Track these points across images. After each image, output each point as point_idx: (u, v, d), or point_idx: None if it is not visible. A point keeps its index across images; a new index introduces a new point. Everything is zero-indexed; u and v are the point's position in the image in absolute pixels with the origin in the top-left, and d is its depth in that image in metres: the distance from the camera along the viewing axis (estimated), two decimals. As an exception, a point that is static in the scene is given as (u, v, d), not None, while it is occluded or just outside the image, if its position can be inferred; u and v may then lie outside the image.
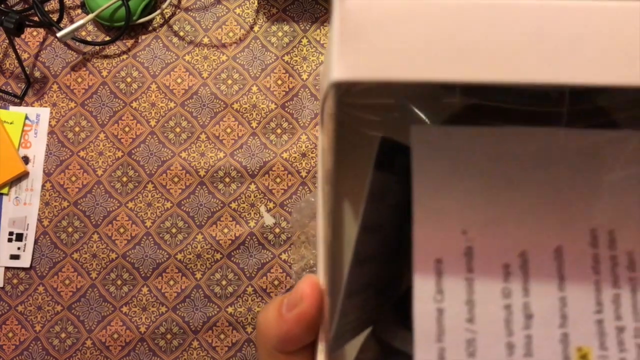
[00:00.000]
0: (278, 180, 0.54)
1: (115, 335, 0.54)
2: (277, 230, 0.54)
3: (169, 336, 0.54)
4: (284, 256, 0.54)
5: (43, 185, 0.55)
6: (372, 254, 0.16)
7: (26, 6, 0.56)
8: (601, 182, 0.14)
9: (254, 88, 0.55)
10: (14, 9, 0.55)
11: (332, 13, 0.13)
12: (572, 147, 0.14)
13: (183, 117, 0.55)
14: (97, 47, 0.56)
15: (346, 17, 0.13)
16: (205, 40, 0.56)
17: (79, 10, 0.57)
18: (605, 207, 0.14)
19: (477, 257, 0.14)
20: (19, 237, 0.54)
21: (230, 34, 0.56)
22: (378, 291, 0.17)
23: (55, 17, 0.56)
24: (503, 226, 0.14)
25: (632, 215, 0.14)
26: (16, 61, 0.55)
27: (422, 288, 0.14)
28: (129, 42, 0.56)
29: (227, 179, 0.54)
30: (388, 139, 0.15)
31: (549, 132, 0.14)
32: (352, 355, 0.18)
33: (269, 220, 0.54)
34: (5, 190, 0.54)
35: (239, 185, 0.54)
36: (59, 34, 0.52)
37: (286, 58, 0.55)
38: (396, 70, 0.12)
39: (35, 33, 0.56)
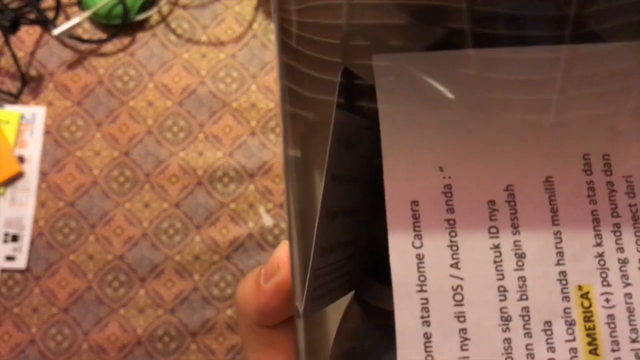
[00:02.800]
0: (277, 180, 0.54)
1: (112, 338, 0.53)
2: (276, 231, 0.53)
3: (166, 339, 0.53)
4: (283, 258, 0.53)
5: (39, 186, 0.54)
6: (346, 207, 0.14)
7: (22, 3, 0.55)
8: (589, 102, 0.13)
9: (253, 87, 0.55)
10: (10, 6, 0.55)
11: None
12: (559, 66, 0.13)
13: (181, 116, 0.55)
14: (94, 45, 0.55)
15: None
16: (204, 38, 0.55)
17: (76, 8, 0.56)
18: (598, 128, 0.12)
19: (457, 195, 0.12)
20: (15, 238, 0.54)
21: (229, 32, 0.55)
22: (359, 251, 0.16)
23: (51, 14, 0.55)
24: (484, 159, 0.13)
25: (627, 136, 0.12)
26: (11, 59, 0.55)
27: (398, 235, 0.12)
28: (126, 40, 0.55)
29: (225, 179, 0.54)
30: (351, 72, 0.13)
31: (532, 51, 0.13)
32: (336, 322, 0.17)
33: (268, 221, 0.53)
34: (0, 191, 0.54)
35: (238, 185, 0.54)
36: (55, 32, 0.52)
37: (286, 56, 0.55)
38: None
39: (31, 31, 0.56)
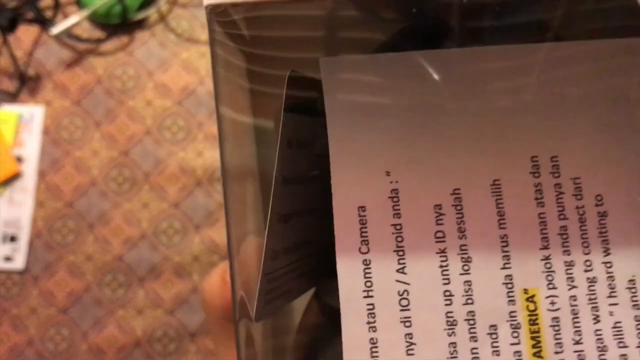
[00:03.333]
0: (277, 180, 0.53)
1: (111, 339, 0.53)
2: (276, 231, 0.53)
3: (165, 340, 0.53)
4: (283, 258, 0.53)
5: (37, 186, 0.54)
6: (301, 207, 0.14)
7: (20, 3, 0.55)
8: (537, 103, 0.12)
9: (253, 86, 0.54)
10: (8, 5, 0.54)
11: None
12: (508, 67, 0.12)
13: (180, 116, 0.54)
14: (93, 45, 0.55)
15: None
16: (203, 37, 0.55)
17: (74, 7, 0.56)
18: (545, 130, 0.12)
19: (403, 199, 0.12)
20: (13, 238, 0.53)
21: (229, 31, 0.55)
22: (320, 248, 0.15)
23: (49, 14, 0.55)
24: (431, 162, 0.12)
25: (576, 137, 0.12)
26: (10, 59, 0.54)
27: (345, 240, 0.12)
28: (125, 40, 0.55)
29: (225, 179, 0.54)
30: (298, 75, 0.13)
31: (483, 52, 0.12)
32: (298, 319, 0.17)
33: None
34: (-2, 191, 0.54)
35: (237, 185, 0.54)
36: (53, 31, 0.52)
37: (285, 55, 0.54)
38: None
39: (29, 30, 0.56)
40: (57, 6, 0.54)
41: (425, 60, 0.12)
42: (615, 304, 0.12)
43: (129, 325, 0.53)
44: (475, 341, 0.12)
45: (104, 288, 0.53)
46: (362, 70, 0.13)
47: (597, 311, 0.12)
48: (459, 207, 0.12)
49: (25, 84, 0.55)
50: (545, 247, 0.12)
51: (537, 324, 0.12)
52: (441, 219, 0.12)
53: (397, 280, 0.12)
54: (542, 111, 0.12)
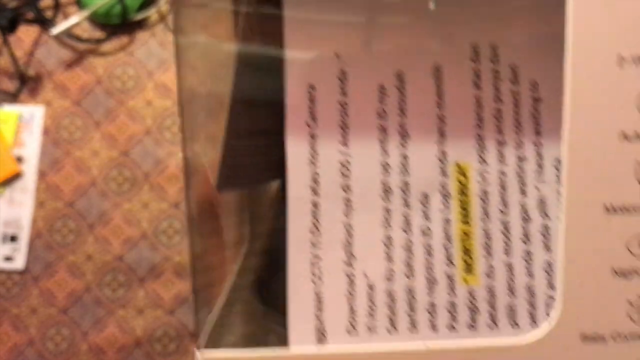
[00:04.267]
0: (277, 180, 0.54)
1: (111, 339, 0.53)
2: (276, 231, 0.53)
3: (165, 340, 0.53)
4: (283, 258, 0.53)
5: (37, 186, 0.54)
6: (259, 95, 0.15)
7: (20, 3, 0.55)
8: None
9: (253, 86, 0.55)
10: (8, 5, 0.54)
11: None
12: None
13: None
14: (93, 45, 0.55)
15: None
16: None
17: (74, 7, 0.56)
18: (487, 19, 0.13)
19: (351, 79, 0.13)
20: (13, 238, 0.53)
21: (229, 31, 0.55)
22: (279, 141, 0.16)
23: (50, 14, 0.55)
24: (378, 47, 0.13)
25: (515, 27, 0.13)
26: (10, 59, 0.54)
27: (296, 115, 0.13)
28: (125, 40, 0.55)
29: (225, 179, 0.54)
30: None
31: None
32: None
33: (267, 221, 0.53)
34: (-2, 191, 0.54)
35: (237, 185, 0.54)
36: (53, 32, 0.52)
37: (285, 56, 0.55)
38: None
39: (29, 30, 0.56)
40: (57, 6, 0.54)
41: None
42: (543, 182, 0.13)
43: (129, 325, 0.53)
44: (408, 208, 0.13)
45: (104, 288, 0.53)
46: None
47: (524, 186, 0.13)
48: (401, 89, 0.13)
49: (25, 84, 0.55)
50: (479, 127, 0.13)
51: (467, 195, 0.13)
52: (384, 99, 0.13)
53: (340, 152, 0.13)
54: (482, 5, 0.13)
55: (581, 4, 0.11)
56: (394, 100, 0.14)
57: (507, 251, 0.13)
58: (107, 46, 0.55)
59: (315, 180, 0.14)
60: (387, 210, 0.13)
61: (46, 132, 0.54)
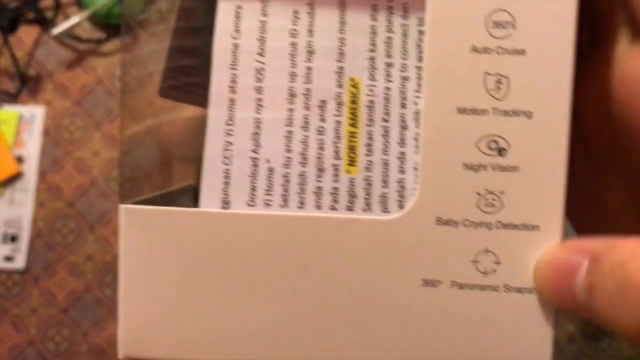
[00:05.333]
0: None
1: (112, 339, 0.53)
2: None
3: (165, 340, 0.53)
4: (283, 258, 0.53)
5: (37, 186, 0.54)
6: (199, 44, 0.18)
7: (21, 3, 0.55)
8: None
9: (253, 86, 0.55)
10: (8, 6, 0.54)
11: None
12: None
13: (180, 116, 0.54)
14: (93, 45, 0.55)
15: None
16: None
17: (74, 8, 0.56)
18: None
19: (271, 4, 0.16)
20: (14, 238, 0.53)
21: (229, 32, 0.55)
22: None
23: (50, 14, 0.55)
24: None
25: None
26: (10, 59, 0.54)
27: (223, 26, 0.16)
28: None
29: (225, 179, 0.54)
30: None
31: None
32: None
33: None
34: (-1, 191, 0.54)
35: (237, 185, 0.54)
36: (54, 32, 0.52)
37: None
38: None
39: (29, 31, 0.56)
40: (57, 7, 0.54)
41: None
42: (419, 97, 0.16)
43: (129, 325, 0.53)
44: (308, 110, 0.16)
45: (104, 288, 0.53)
46: None
47: (405, 100, 0.16)
48: (311, 15, 0.16)
49: (25, 84, 0.55)
50: (372, 50, 0.16)
51: (356, 103, 0.16)
52: (297, 21, 0.16)
53: (257, 60, 0.16)
54: None
55: None
56: (305, 23, 0.16)
57: (385, 151, 0.16)
58: (108, 46, 0.55)
59: (233, 81, 0.16)
60: (291, 110, 0.16)
61: (46, 132, 0.54)
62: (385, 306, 0.15)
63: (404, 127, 0.16)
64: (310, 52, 0.16)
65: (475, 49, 0.14)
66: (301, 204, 0.16)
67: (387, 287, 0.15)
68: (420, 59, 0.16)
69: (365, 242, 0.15)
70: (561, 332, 0.52)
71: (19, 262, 0.53)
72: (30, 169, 0.54)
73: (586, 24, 0.16)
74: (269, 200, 0.16)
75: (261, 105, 0.16)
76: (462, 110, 0.15)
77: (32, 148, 0.54)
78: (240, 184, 0.16)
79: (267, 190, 0.16)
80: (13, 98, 0.55)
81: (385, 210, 0.16)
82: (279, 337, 0.15)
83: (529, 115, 0.15)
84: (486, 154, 0.14)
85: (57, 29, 0.52)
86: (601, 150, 0.16)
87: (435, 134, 0.15)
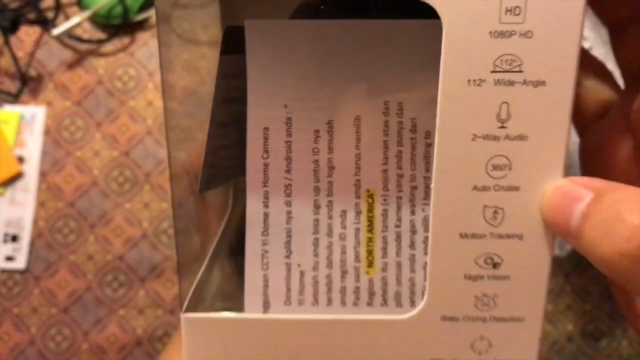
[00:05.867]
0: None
1: (112, 338, 0.53)
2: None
3: (166, 339, 0.53)
4: (283, 258, 0.53)
5: (38, 186, 0.54)
6: (234, 118, 0.20)
7: (21, 4, 0.55)
8: (393, 64, 0.18)
9: (253, 87, 0.55)
10: (9, 6, 0.54)
11: None
12: (376, 35, 0.18)
13: (181, 117, 0.54)
14: (94, 45, 0.55)
15: None
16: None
17: (75, 8, 0.56)
18: (396, 83, 0.18)
19: (294, 125, 0.18)
20: (14, 238, 0.53)
21: (229, 32, 0.55)
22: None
23: (51, 14, 0.55)
24: (315, 101, 0.18)
25: (416, 90, 0.18)
26: (11, 59, 0.54)
27: (254, 148, 0.18)
28: (126, 40, 0.55)
29: (225, 180, 0.54)
30: (233, 26, 0.19)
31: (356, 25, 0.18)
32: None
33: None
34: (0, 191, 0.54)
35: (238, 185, 0.54)
36: (54, 32, 0.52)
37: (285, 56, 0.54)
38: None
39: (30, 31, 0.56)
40: (58, 7, 0.54)
41: (322, 26, 0.18)
42: (427, 204, 0.18)
43: (129, 324, 0.53)
44: (331, 219, 0.18)
45: (105, 288, 0.53)
46: (277, 31, 0.18)
47: (414, 207, 0.18)
48: (330, 133, 0.18)
49: (26, 84, 0.55)
50: (385, 164, 0.18)
51: (372, 212, 0.18)
52: (318, 140, 0.18)
53: (285, 177, 0.18)
54: (395, 68, 0.18)
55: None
56: (325, 141, 0.18)
57: (398, 253, 0.18)
58: (108, 47, 0.55)
59: (266, 197, 0.18)
60: (317, 221, 0.18)
61: (47, 132, 0.55)
62: None
63: (413, 232, 0.18)
64: (331, 168, 0.18)
65: (475, 187, 0.17)
66: (329, 301, 0.18)
67: None
68: (427, 169, 0.18)
69: (385, 336, 0.17)
70: (560, 331, 0.52)
71: (20, 262, 0.53)
72: (31, 169, 0.54)
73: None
74: (302, 299, 0.18)
75: (291, 217, 0.18)
76: (464, 235, 0.17)
77: (32, 148, 0.54)
78: (277, 286, 0.18)
79: (299, 291, 0.18)
80: (14, 98, 0.55)
81: (399, 304, 0.19)
82: None
83: (520, 237, 0.17)
84: (483, 268, 0.17)
85: (58, 29, 0.52)
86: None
87: (441, 255, 0.17)
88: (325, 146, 0.18)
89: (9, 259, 0.53)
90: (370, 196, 0.18)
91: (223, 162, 0.20)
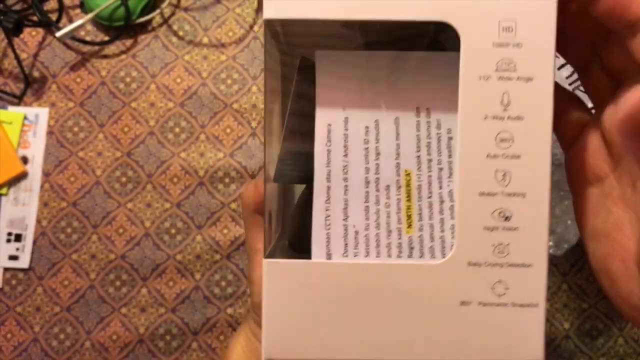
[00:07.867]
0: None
1: (114, 337, 0.53)
2: (276, 231, 0.54)
3: (168, 337, 0.54)
4: (283, 257, 0.53)
5: (42, 186, 0.54)
6: (304, 130, 0.25)
7: (25, 6, 0.55)
8: (421, 80, 0.24)
9: (254, 88, 0.55)
10: (13, 8, 0.55)
11: None
12: (408, 61, 0.24)
13: (182, 117, 0.55)
14: (96, 47, 0.56)
15: None
16: (205, 40, 0.56)
17: (78, 10, 0.56)
18: (425, 92, 0.24)
19: (350, 122, 0.24)
20: (18, 237, 0.54)
21: (230, 34, 0.56)
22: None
23: (54, 16, 0.55)
24: (365, 106, 0.24)
25: (440, 98, 0.24)
26: (15, 61, 0.55)
27: (320, 143, 0.24)
28: (128, 42, 0.56)
29: (226, 180, 0.54)
30: (306, 57, 0.25)
31: (394, 54, 0.24)
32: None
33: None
34: (4, 191, 0.54)
35: (239, 185, 0.54)
36: (57, 34, 0.52)
37: (286, 58, 0.55)
38: (308, 12, 0.21)
39: (34, 33, 0.56)
40: (61, 9, 0.55)
41: (370, 56, 0.24)
42: (451, 181, 0.24)
43: (132, 323, 0.54)
44: (378, 192, 0.24)
45: (107, 286, 0.54)
46: (339, 58, 0.24)
47: (441, 183, 0.24)
48: (377, 128, 0.24)
49: (30, 85, 0.55)
50: (418, 152, 0.24)
51: (409, 186, 0.24)
52: (367, 133, 0.24)
53: (343, 160, 0.24)
54: (423, 82, 0.24)
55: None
56: (373, 134, 0.24)
57: (431, 217, 0.24)
58: (111, 48, 0.56)
59: (329, 175, 0.24)
60: (367, 193, 0.24)
61: (50, 133, 0.55)
62: (434, 318, 0.22)
63: (441, 201, 0.24)
64: (377, 154, 0.24)
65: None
66: (378, 254, 0.23)
67: (436, 306, 0.22)
68: (449, 155, 0.24)
69: (421, 278, 0.22)
70: (558, 329, 0.52)
71: (24, 261, 0.54)
72: (35, 169, 0.55)
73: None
74: (356, 252, 0.23)
75: (347, 190, 0.24)
76: (482, 194, 0.22)
77: (36, 148, 0.55)
78: (337, 243, 0.23)
79: (354, 246, 0.23)
80: (17, 99, 0.55)
81: (433, 257, 0.23)
82: (369, 340, 0.22)
83: (523, 195, 0.22)
84: (497, 220, 0.22)
85: (61, 31, 0.52)
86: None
87: (466, 210, 0.22)
88: (374, 138, 0.24)
89: (13, 258, 0.54)
90: (408, 175, 0.24)
91: (292, 166, 0.26)
